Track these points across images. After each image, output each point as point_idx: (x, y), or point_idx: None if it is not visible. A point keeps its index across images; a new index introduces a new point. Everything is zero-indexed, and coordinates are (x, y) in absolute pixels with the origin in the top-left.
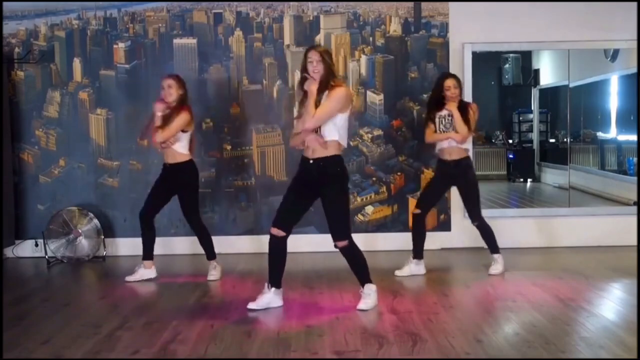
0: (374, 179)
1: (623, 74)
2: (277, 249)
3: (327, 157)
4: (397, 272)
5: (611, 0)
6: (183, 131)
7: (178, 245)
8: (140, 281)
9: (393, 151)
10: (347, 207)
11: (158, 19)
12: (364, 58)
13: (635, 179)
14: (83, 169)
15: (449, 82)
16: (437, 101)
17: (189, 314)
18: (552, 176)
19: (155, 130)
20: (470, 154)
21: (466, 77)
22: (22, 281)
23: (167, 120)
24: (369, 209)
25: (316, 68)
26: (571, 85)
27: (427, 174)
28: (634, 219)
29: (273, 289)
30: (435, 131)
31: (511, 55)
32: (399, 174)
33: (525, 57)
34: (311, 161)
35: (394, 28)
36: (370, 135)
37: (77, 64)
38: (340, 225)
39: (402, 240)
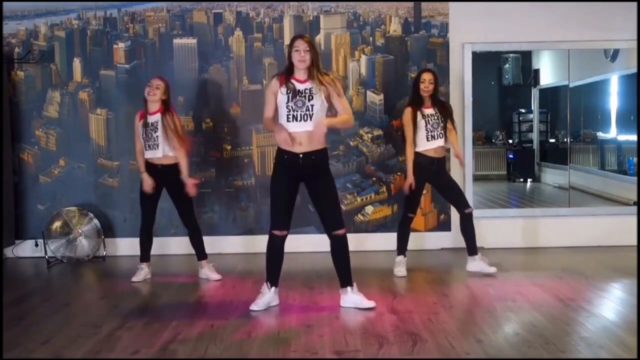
0: (374, 179)
1: (623, 74)
2: (278, 248)
3: (319, 149)
4: (397, 273)
5: (611, 0)
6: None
7: (178, 245)
8: (142, 281)
9: (393, 151)
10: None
11: (158, 19)
12: (364, 58)
13: (635, 179)
14: (83, 169)
15: (425, 76)
16: (416, 96)
17: (188, 314)
18: (552, 176)
19: (179, 141)
20: (471, 154)
21: (466, 77)
22: (22, 281)
23: (166, 129)
24: (369, 209)
25: (304, 57)
26: (571, 85)
27: None
28: (634, 219)
29: (273, 288)
30: (426, 131)
31: (511, 55)
32: (399, 174)
33: (525, 57)
34: (301, 155)
35: (394, 28)
36: (370, 135)
37: (77, 64)
38: (340, 212)
39: None
